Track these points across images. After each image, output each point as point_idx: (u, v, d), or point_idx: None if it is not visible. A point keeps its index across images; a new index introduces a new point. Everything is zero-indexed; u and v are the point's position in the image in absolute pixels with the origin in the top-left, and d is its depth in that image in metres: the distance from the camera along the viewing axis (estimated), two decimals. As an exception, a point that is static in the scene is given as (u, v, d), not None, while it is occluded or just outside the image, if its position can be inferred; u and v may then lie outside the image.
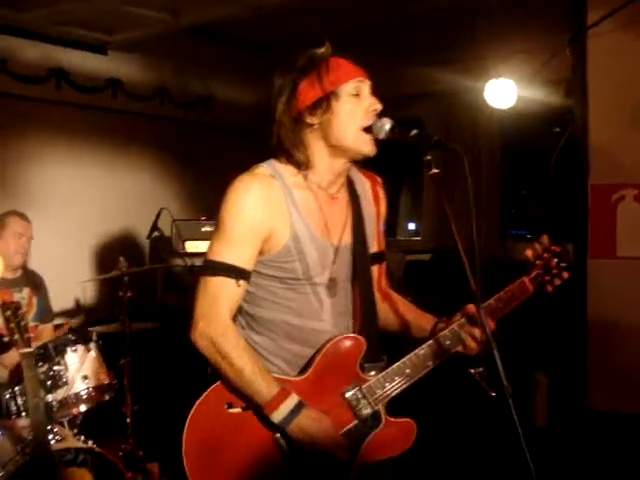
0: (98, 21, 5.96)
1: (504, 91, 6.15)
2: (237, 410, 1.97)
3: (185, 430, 1.95)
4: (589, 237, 4.50)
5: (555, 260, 2.15)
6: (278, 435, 1.96)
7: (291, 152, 2.00)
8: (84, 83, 6.43)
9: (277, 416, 1.91)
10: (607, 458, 4.17)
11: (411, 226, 9.70)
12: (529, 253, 2.18)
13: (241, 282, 1.95)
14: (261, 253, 1.98)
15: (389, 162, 3.24)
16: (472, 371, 1.82)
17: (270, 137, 2.03)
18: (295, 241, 1.97)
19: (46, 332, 4.11)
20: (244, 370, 1.92)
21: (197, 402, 1.97)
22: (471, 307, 2.04)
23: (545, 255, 2.16)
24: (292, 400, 1.91)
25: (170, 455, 2.00)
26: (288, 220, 1.97)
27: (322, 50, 2.01)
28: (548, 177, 5.56)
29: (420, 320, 2.22)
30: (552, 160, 5.22)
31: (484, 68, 6.68)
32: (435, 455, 4.24)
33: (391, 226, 9.49)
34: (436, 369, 2.05)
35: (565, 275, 2.16)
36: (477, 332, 2.03)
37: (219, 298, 1.95)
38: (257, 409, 1.95)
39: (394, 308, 2.28)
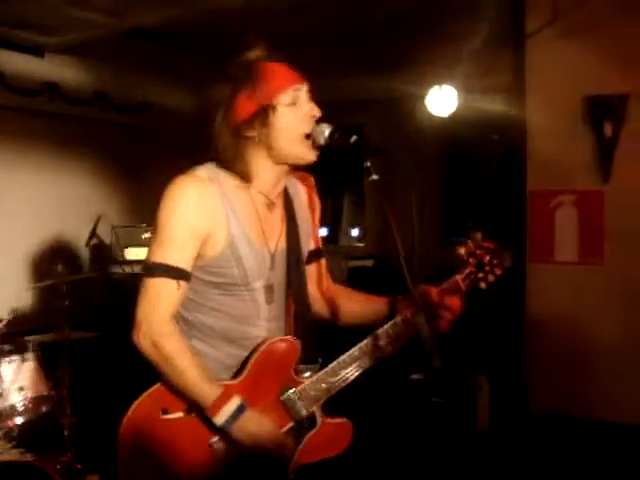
0: (36, 22, 5.84)
1: (446, 98, 6.23)
2: (172, 416, 1.93)
3: (118, 438, 1.91)
4: (528, 242, 4.59)
5: (488, 257, 2.13)
6: (214, 439, 1.93)
7: (232, 164, 1.97)
8: (20, 85, 6.29)
9: (219, 419, 1.88)
10: (549, 460, 4.24)
11: (354, 232, 9.73)
12: (462, 251, 2.15)
13: (181, 283, 1.92)
14: (199, 258, 1.95)
15: (331, 167, 3.23)
16: (414, 377, 1.82)
17: (209, 148, 1.99)
18: (232, 247, 1.95)
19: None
20: (186, 372, 1.89)
21: (130, 408, 1.92)
22: (434, 291, 2.05)
23: (478, 252, 2.14)
24: (234, 402, 1.90)
25: (111, 467, 1.94)
26: (225, 225, 1.94)
27: (256, 54, 1.96)
28: (489, 183, 5.64)
29: (376, 305, 2.19)
30: (492, 167, 5.31)
31: (426, 75, 6.74)
32: (375, 459, 4.25)
33: (334, 232, 9.52)
34: (378, 374, 2.05)
35: (498, 272, 2.14)
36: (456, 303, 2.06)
37: (160, 300, 1.91)
38: (195, 413, 1.93)
39: (348, 302, 2.27)
